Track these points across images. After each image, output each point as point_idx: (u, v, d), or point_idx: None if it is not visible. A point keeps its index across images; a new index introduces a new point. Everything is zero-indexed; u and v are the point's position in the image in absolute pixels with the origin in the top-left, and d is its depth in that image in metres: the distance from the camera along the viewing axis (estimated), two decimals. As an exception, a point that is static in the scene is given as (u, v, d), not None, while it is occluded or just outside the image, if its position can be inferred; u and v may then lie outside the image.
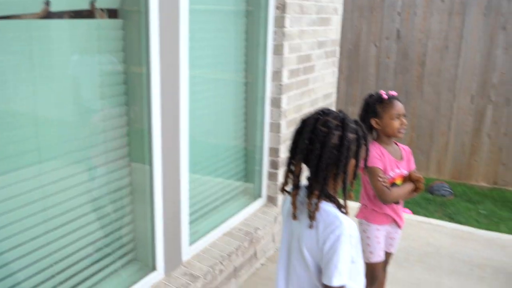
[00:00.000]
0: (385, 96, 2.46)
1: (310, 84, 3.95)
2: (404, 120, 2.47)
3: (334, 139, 1.48)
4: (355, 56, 6.46)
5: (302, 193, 1.59)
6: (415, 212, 5.03)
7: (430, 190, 5.77)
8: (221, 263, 2.94)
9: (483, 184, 6.02)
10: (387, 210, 2.51)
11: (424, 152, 6.28)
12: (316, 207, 1.50)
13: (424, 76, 6.09)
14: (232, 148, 3.48)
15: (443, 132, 6.12)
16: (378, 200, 2.46)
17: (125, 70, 2.37)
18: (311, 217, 1.51)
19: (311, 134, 1.50)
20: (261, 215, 3.61)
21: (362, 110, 2.55)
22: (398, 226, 2.60)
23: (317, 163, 1.49)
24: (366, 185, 2.54)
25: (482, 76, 5.81)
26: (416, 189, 2.46)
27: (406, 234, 4.07)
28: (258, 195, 3.73)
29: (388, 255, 2.69)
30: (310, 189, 1.53)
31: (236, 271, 3.16)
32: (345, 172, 1.50)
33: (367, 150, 1.59)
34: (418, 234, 4.13)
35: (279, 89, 3.51)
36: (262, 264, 3.51)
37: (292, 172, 1.56)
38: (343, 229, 1.46)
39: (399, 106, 2.45)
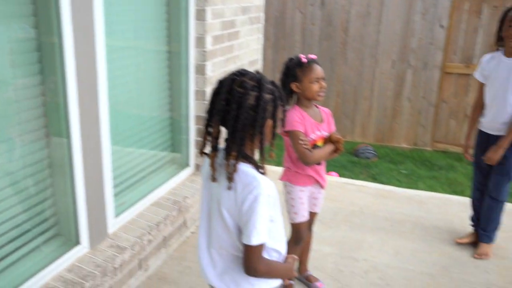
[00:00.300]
0: (304, 60, 2.51)
1: (235, 51, 3.95)
2: (323, 83, 2.53)
3: (251, 100, 1.50)
4: (281, 23, 6.51)
5: (221, 155, 1.61)
6: (341, 175, 5.26)
7: (355, 153, 6.03)
8: (149, 233, 2.94)
9: (404, 145, 6.37)
10: (310, 171, 2.60)
11: (349, 117, 6.52)
12: (234, 169, 1.53)
13: (347, 42, 6.27)
14: (156, 118, 3.44)
15: (366, 97, 6.37)
16: (301, 163, 2.54)
17: (37, 36, 2.25)
18: (229, 178, 1.53)
19: (228, 95, 1.52)
20: (190, 184, 3.62)
21: (282, 74, 2.59)
22: (321, 186, 2.71)
23: (233, 124, 1.51)
24: (288, 148, 2.61)
25: (402, 42, 6.07)
26: (336, 150, 2.56)
27: (333, 195, 4.25)
28: (186, 164, 3.73)
29: (312, 214, 2.80)
30: (227, 150, 1.55)
31: (165, 240, 3.17)
32: (261, 133, 1.53)
33: (284, 111, 1.62)
34: (344, 195, 4.32)
35: (203, 55, 3.49)
36: (192, 233, 3.55)
37: (210, 134, 1.58)
38: (261, 189, 1.50)
39: (318, 70, 2.51)
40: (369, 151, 6.00)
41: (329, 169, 5.28)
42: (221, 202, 1.58)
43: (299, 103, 2.59)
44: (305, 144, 2.45)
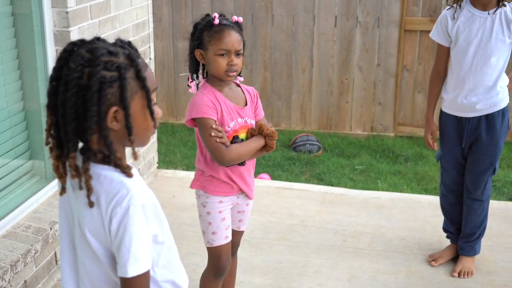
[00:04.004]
0: (216, 21, 2.52)
1: (112, 10, 3.92)
2: (236, 60, 2.54)
3: (82, 79, 1.49)
4: (179, -31, 6.52)
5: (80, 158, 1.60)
6: (275, 177, 5.37)
7: (293, 146, 6.17)
8: (1, 278, 2.86)
9: (359, 132, 6.60)
10: (232, 175, 2.64)
11: (283, 97, 6.65)
12: (78, 174, 1.53)
13: (273, -7, 6.39)
14: (1, 111, 3.35)
15: (305, 68, 6.53)
16: (217, 163, 2.57)
17: None
18: (81, 187, 1.53)
19: (58, 72, 1.52)
20: (58, 202, 3.56)
21: (190, 36, 2.64)
22: (248, 196, 2.76)
23: (62, 114, 1.50)
24: (200, 145, 2.63)
25: (346, -10, 6.27)
26: (266, 146, 2.61)
27: (264, 206, 4.34)
28: (51, 176, 3.66)
29: (237, 234, 2.85)
30: (65, 151, 1.54)
31: (27, 286, 3.10)
32: (102, 126, 1.51)
33: (147, 94, 1.56)
34: (279, 204, 4.42)
35: (65, 19, 3.43)
36: (65, 273, 3.49)
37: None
38: (131, 198, 1.50)
39: (229, 39, 2.50)
40: (312, 142, 6.16)
41: (258, 171, 5.37)
42: (83, 223, 1.57)
43: (210, 80, 2.62)
44: (219, 137, 2.48)
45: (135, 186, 1.53)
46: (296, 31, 6.45)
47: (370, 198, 4.58)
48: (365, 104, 6.55)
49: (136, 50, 1.60)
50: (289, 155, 5.99)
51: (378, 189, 5.06)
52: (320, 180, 5.44)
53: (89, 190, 1.52)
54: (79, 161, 1.57)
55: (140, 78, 1.53)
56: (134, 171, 1.61)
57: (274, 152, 5.91)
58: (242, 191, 2.71)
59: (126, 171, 1.55)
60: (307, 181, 5.37)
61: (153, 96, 1.58)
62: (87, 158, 1.54)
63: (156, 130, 1.66)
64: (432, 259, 3.69)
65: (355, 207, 4.41)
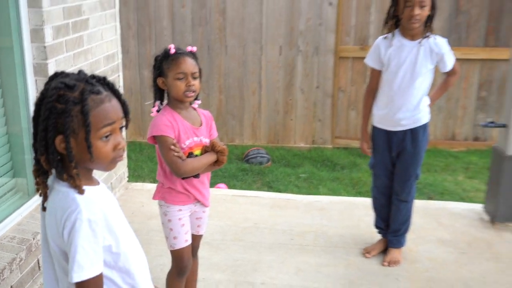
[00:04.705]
0: (172, 51, 2.56)
1: (85, 44, 3.89)
2: (193, 81, 2.55)
3: (36, 108, 1.57)
4: (144, 7, 6.51)
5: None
6: (231, 186, 5.38)
7: (246, 158, 6.20)
8: (-11, 284, 2.81)
9: (302, 145, 6.68)
10: (187, 186, 2.65)
11: (236, 116, 6.69)
12: (39, 189, 1.60)
13: (226, 26, 6.43)
14: (-13, 135, 3.29)
15: (254, 91, 6.59)
16: (174, 175, 2.59)
17: None
18: (40, 194, 1.61)
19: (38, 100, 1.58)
20: (39, 215, 3.50)
21: (152, 68, 2.66)
22: (203, 204, 2.77)
23: (33, 136, 1.59)
24: (160, 159, 2.64)
25: (288, 24, 6.36)
26: (218, 161, 2.63)
27: (222, 212, 4.35)
28: (33, 192, 3.60)
29: (196, 238, 2.86)
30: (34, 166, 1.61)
31: (13, 291, 3.04)
32: (48, 151, 1.54)
33: (86, 128, 1.52)
34: (234, 210, 4.43)
35: (43, 52, 3.39)
36: (47, 277, 3.43)
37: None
38: (79, 213, 1.51)
39: (185, 64, 2.54)
40: (262, 155, 6.21)
41: (216, 181, 5.39)
42: (48, 232, 1.60)
43: (170, 103, 2.64)
44: (176, 152, 2.50)
45: (84, 203, 1.53)
46: (246, 59, 6.51)
47: (313, 201, 4.63)
48: (306, 121, 6.64)
49: (104, 85, 1.60)
50: (243, 166, 6.01)
51: (319, 194, 5.12)
52: (269, 187, 5.48)
53: (44, 197, 1.60)
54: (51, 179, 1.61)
55: (84, 114, 1.50)
56: (98, 188, 1.64)
57: (229, 165, 5.94)
58: (198, 200, 2.73)
59: (78, 189, 1.55)
60: (258, 189, 5.41)
61: (110, 128, 1.56)
62: (54, 176, 1.60)
63: (117, 159, 1.63)
64: (366, 252, 3.76)
65: (300, 210, 4.46)
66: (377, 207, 3.79)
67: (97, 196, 1.61)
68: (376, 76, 3.53)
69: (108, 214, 1.60)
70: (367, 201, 4.47)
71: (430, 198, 5.17)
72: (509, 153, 4.08)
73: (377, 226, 3.83)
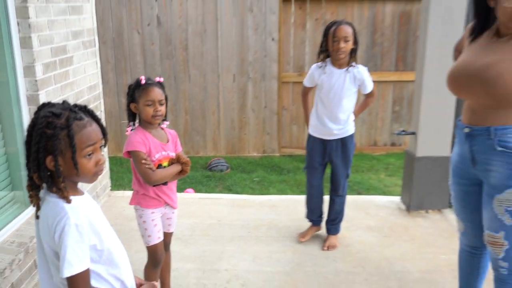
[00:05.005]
0: (143, 82, 2.54)
1: (71, 77, 3.81)
2: (160, 107, 2.53)
3: (29, 133, 1.55)
4: (120, 45, 6.41)
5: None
6: (197, 190, 5.34)
7: (209, 167, 6.16)
8: (-8, 283, 2.69)
9: (255, 154, 6.68)
10: (158, 192, 2.62)
11: (200, 133, 6.65)
12: (32, 200, 1.58)
13: (188, 60, 6.40)
14: (-12, 156, 3.17)
15: (214, 111, 6.56)
16: (146, 184, 2.55)
17: None
18: (33, 205, 1.58)
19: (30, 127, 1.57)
20: (34, 222, 3.39)
21: (126, 95, 2.64)
22: (172, 206, 2.74)
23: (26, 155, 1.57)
24: (134, 171, 2.60)
25: (240, 56, 6.38)
26: (182, 171, 2.62)
27: (190, 212, 4.30)
28: (28, 202, 3.48)
29: (168, 234, 2.82)
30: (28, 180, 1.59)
31: (14, 287, 2.93)
32: (40, 169, 1.52)
33: (72, 149, 1.52)
34: (201, 210, 4.40)
35: (35, 85, 3.30)
36: (43, 274, 3.32)
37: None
38: (67, 219, 1.50)
39: (153, 93, 2.51)
40: (222, 163, 6.18)
41: (185, 187, 5.34)
42: (42, 237, 1.57)
43: (142, 124, 2.61)
44: (147, 164, 2.47)
45: (71, 211, 1.53)
46: (207, 86, 6.49)
47: (265, 200, 4.64)
48: (258, 134, 6.66)
49: (85, 112, 1.60)
50: (207, 174, 5.97)
51: (270, 194, 5.13)
52: (229, 190, 5.46)
53: (37, 208, 1.59)
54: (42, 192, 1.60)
55: (70, 137, 1.51)
56: (83, 197, 1.63)
57: (195, 173, 5.90)
58: (167, 204, 2.70)
59: (66, 199, 1.55)
60: (220, 192, 5.38)
61: (92, 148, 1.57)
62: (45, 189, 1.57)
63: (98, 173, 1.63)
64: (301, 236, 3.79)
65: (255, 208, 4.46)
66: (310, 203, 3.79)
67: (82, 204, 1.60)
68: (308, 90, 3.66)
69: (92, 218, 1.60)
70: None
71: (359, 193, 5.25)
72: (418, 155, 4.19)
73: (310, 219, 3.84)
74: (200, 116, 6.59)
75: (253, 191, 5.34)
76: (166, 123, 2.73)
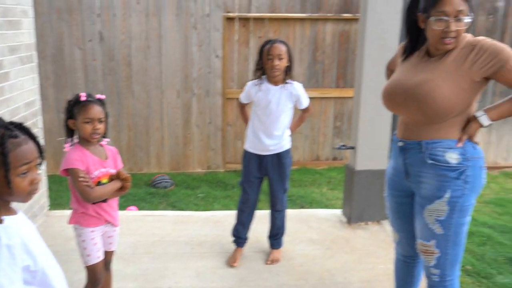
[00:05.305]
0: (82, 98, 2.49)
1: (7, 93, 3.68)
2: (99, 125, 2.50)
3: None
4: (60, 60, 6.25)
5: None
6: (141, 208, 5.24)
7: (152, 184, 6.07)
8: None
9: (199, 170, 6.66)
10: (98, 210, 2.57)
11: (143, 149, 6.56)
12: None
13: (132, 76, 6.33)
14: None
15: (158, 128, 6.50)
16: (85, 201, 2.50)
17: None
18: None
19: None
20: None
21: (64, 110, 2.57)
22: (113, 224, 2.69)
23: None
24: (72, 189, 2.54)
25: (184, 72, 6.38)
26: (123, 188, 2.58)
27: (133, 229, 4.22)
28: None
29: (109, 253, 2.76)
30: None
31: None
32: None
33: (5, 167, 1.49)
34: (143, 227, 4.32)
35: (-34, 101, 3.17)
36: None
37: None
38: None
39: (93, 110, 2.47)
40: (166, 180, 6.11)
41: (128, 204, 5.23)
42: None
43: (80, 141, 2.56)
44: (85, 181, 2.42)
45: (3, 231, 1.48)
46: (150, 102, 6.43)
47: (209, 216, 4.63)
48: (202, 150, 6.65)
49: (21, 129, 1.57)
50: (150, 191, 5.88)
51: (214, 209, 5.12)
52: (173, 207, 5.39)
53: None
54: None
55: (3, 155, 1.48)
56: (16, 217, 1.57)
57: (138, 190, 5.80)
58: (108, 222, 2.65)
59: None
60: (164, 208, 5.31)
61: (27, 167, 1.54)
62: None
63: (33, 192, 1.59)
64: (231, 262, 3.66)
65: (199, 224, 4.43)
66: (242, 219, 3.73)
67: (15, 223, 1.55)
68: (245, 105, 3.75)
69: (26, 238, 1.55)
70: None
71: (302, 207, 5.32)
72: (358, 169, 4.32)
73: (237, 236, 3.75)
74: (144, 132, 6.51)
75: (197, 207, 5.31)
76: (106, 140, 2.69)
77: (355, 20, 6.35)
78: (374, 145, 4.26)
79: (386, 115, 4.14)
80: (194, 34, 6.28)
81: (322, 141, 6.88)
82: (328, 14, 6.43)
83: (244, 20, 6.35)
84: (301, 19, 6.41)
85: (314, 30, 6.50)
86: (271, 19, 6.38)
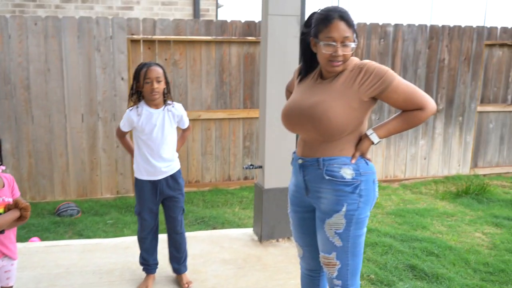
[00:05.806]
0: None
1: None
2: None
3: None
4: None
5: None
6: (44, 238, 4.97)
7: (57, 212, 5.79)
8: None
9: (108, 195, 6.46)
10: (-6, 243, 2.43)
11: (46, 176, 6.24)
12: None
13: (31, 100, 6.03)
14: None
15: (62, 153, 6.24)
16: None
17: None
18: None
19: None
20: None
21: None
22: (11, 258, 2.54)
23: None
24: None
25: (88, 95, 6.20)
26: (21, 217, 2.46)
27: (35, 262, 4.00)
28: None
29: (5, 290, 2.61)
30: None
31: None
32: None
33: None
34: (47, 259, 4.11)
35: None
36: None
37: None
38: None
39: None
40: (72, 208, 5.85)
41: (29, 236, 4.95)
42: None
43: None
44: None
45: None
46: (53, 127, 6.16)
47: (119, 242, 4.50)
48: (110, 175, 6.46)
49: None
50: (55, 220, 5.60)
51: (124, 235, 4.99)
52: (80, 235, 5.17)
53: None
54: None
55: None
56: None
57: (42, 219, 5.51)
58: (5, 255, 2.50)
59: None
60: (70, 238, 5.08)
61: None
62: None
63: None
64: None
65: (108, 251, 4.30)
66: (146, 247, 3.69)
67: None
68: (125, 133, 3.64)
69: None
70: (162, 237, 4.48)
71: (214, 228, 5.34)
72: (266, 187, 4.44)
73: (145, 264, 3.72)
74: (46, 158, 6.21)
75: (106, 234, 5.14)
76: (2, 167, 2.56)
77: (258, 42, 6.57)
78: (280, 164, 4.41)
79: (291, 135, 4.31)
80: (98, 56, 6.14)
81: (232, 161, 6.97)
82: (233, 37, 6.59)
83: (149, 42, 6.32)
84: (206, 42, 6.51)
85: (219, 52, 6.62)
86: (176, 42, 6.41)
